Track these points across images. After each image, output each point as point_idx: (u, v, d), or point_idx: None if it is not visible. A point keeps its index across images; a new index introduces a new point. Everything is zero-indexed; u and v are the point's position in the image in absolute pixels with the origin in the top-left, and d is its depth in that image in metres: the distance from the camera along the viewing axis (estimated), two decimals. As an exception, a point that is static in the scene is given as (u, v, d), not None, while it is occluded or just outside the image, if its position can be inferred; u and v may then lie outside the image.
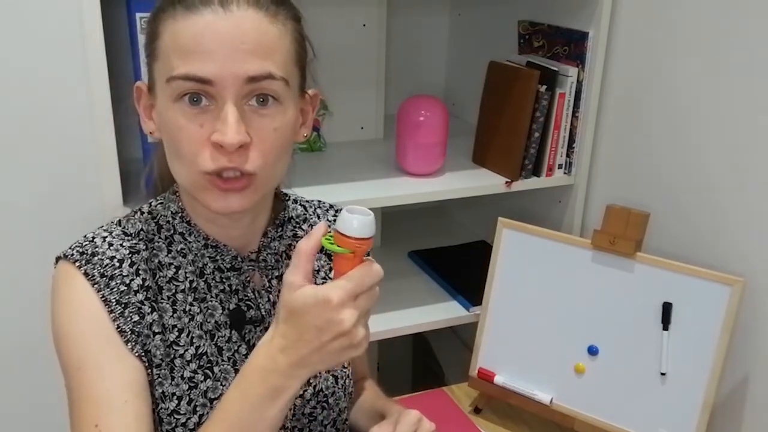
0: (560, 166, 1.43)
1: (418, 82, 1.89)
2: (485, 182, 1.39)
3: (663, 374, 1.16)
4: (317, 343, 0.67)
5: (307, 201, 0.97)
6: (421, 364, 1.98)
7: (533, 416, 1.31)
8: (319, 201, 0.99)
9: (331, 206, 0.99)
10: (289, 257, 0.89)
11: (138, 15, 1.08)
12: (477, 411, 1.35)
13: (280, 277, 0.87)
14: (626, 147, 1.37)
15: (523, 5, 1.55)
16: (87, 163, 1.12)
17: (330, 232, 0.69)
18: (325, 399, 0.90)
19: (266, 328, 0.84)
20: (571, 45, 1.38)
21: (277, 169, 0.78)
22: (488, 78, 1.46)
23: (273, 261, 0.87)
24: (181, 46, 0.71)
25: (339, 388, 0.92)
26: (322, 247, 0.70)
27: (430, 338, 1.92)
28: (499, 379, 1.30)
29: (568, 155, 1.43)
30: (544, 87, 1.35)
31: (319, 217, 0.96)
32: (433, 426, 0.83)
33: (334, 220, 0.94)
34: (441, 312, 1.45)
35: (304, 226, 0.93)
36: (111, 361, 0.75)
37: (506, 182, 1.39)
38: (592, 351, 1.23)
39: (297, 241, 0.90)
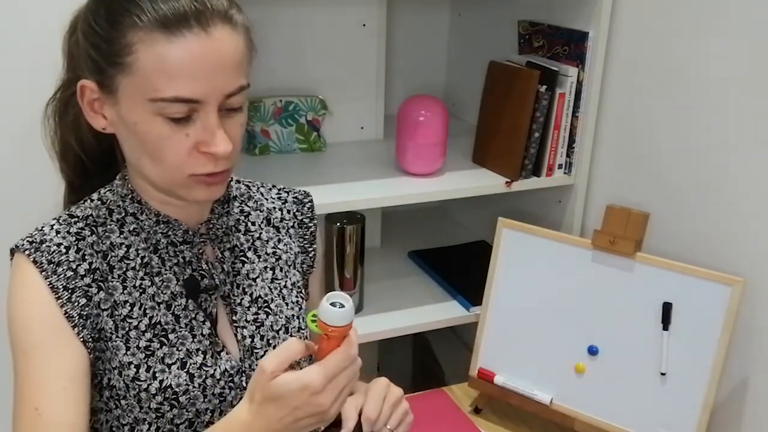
0: (560, 166, 1.43)
1: (418, 82, 1.89)
2: (485, 182, 1.39)
3: (663, 374, 1.16)
4: (291, 419, 0.75)
5: (249, 181, 1.03)
6: (421, 364, 1.98)
7: (533, 416, 1.31)
8: (262, 182, 1.04)
9: (274, 186, 1.04)
10: (239, 230, 0.96)
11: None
12: (477, 411, 1.35)
13: (232, 249, 0.94)
14: (626, 147, 1.37)
15: (523, 5, 1.55)
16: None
17: (315, 313, 0.77)
18: None
19: (221, 296, 0.92)
20: (571, 45, 1.38)
21: None
22: (488, 78, 1.46)
23: (222, 234, 0.93)
24: (168, 69, 0.74)
25: None
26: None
27: (430, 338, 1.91)
28: (499, 379, 1.30)
29: (568, 155, 1.43)
30: (544, 87, 1.35)
31: (263, 195, 1.02)
32: (401, 391, 0.94)
33: (278, 198, 1.03)
34: (441, 312, 1.45)
35: (249, 203, 0.99)
36: (55, 349, 0.80)
37: (506, 182, 1.39)
38: (592, 351, 1.23)
39: (245, 216, 0.97)
